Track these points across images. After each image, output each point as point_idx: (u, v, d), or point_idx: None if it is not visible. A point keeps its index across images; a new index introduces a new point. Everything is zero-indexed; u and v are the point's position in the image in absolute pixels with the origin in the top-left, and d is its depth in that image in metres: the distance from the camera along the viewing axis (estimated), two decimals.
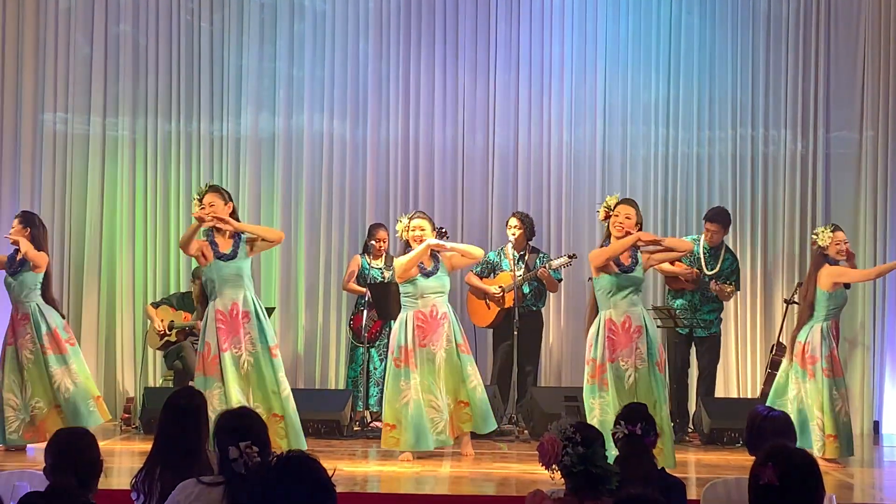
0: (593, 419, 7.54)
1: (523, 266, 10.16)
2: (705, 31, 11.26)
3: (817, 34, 11.14)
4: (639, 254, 7.94)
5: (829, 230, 8.71)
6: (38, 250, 8.88)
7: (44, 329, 8.79)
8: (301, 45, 11.34)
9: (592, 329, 7.88)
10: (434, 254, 8.73)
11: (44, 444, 4.44)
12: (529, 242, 10.32)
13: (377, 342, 10.29)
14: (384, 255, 10.47)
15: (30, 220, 9.01)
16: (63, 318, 9.07)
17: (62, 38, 11.18)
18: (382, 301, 9.89)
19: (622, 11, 11.29)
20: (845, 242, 8.72)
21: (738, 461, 8.39)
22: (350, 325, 10.60)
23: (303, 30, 11.34)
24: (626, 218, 7.84)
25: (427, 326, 8.57)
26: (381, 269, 10.43)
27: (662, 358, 7.94)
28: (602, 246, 7.98)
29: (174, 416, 4.68)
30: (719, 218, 10.06)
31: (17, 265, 8.91)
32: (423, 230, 8.68)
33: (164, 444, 4.67)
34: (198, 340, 9.70)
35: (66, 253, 11.03)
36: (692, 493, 5.13)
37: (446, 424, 8.51)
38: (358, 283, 10.45)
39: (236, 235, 8.22)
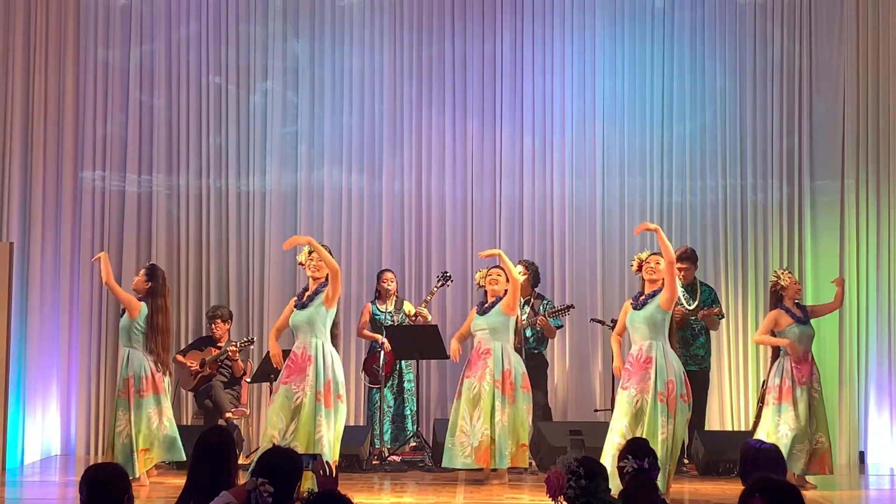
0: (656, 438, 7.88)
1: (529, 311, 10.15)
2: (696, 89, 11.32)
3: (801, 90, 11.19)
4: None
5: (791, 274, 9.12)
6: (147, 299, 8.91)
7: (124, 375, 8.89)
8: (321, 103, 11.41)
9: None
10: (497, 294, 9.04)
11: None
12: (535, 289, 10.31)
13: (390, 382, 10.30)
14: (394, 297, 10.49)
15: (152, 274, 9.05)
16: (151, 366, 8.87)
17: (100, 100, 11.26)
18: (397, 342, 9.97)
19: (618, 71, 11.36)
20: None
21: (733, 491, 8.35)
22: (364, 367, 10.61)
23: (322, 90, 11.41)
24: (656, 264, 8.32)
25: (471, 360, 8.95)
26: (391, 312, 10.44)
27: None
28: (639, 293, 8.42)
29: (205, 453, 4.71)
30: (686, 256, 10.08)
31: (121, 310, 9.08)
32: (500, 275, 9.10)
33: (196, 479, 4.69)
34: (228, 370, 10.49)
35: (103, 303, 11.05)
36: None
37: (473, 451, 8.73)
38: (371, 329, 10.48)
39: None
